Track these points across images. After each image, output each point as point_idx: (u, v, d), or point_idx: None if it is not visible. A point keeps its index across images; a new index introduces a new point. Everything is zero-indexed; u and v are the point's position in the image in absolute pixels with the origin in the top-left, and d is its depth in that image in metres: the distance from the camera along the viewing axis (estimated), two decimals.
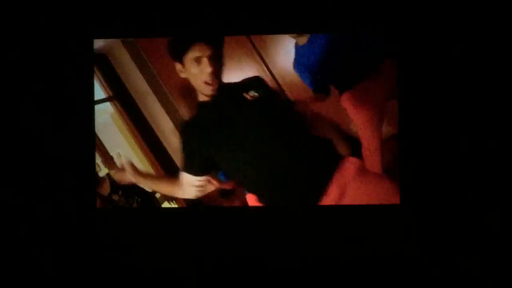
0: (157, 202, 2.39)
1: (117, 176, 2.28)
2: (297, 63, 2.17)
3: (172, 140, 2.36)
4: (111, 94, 2.42)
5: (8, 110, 2.26)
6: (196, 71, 1.76)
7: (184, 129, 2.08)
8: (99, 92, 2.38)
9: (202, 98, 1.94)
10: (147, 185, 2.26)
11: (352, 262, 2.21)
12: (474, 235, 2.17)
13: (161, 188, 2.25)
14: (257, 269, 2.22)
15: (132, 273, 2.24)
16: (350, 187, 1.99)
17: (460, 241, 2.18)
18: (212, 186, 2.11)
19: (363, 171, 1.99)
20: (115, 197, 2.31)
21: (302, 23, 2.21)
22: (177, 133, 2.28)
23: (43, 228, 2.26)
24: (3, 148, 2.25)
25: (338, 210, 2.24)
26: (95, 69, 2.31)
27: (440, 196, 2.20)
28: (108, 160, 2.31)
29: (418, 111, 2.22)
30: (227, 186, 2.20)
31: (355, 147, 2.09)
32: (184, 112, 2.32)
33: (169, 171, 2.33)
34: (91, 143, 2.29)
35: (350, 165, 1.99)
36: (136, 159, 2.37)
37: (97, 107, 2.32)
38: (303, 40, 2.11)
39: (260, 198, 2.08)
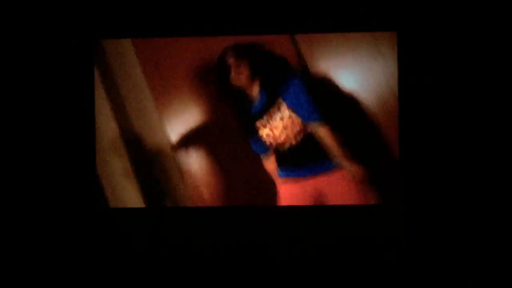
0: None
1: None
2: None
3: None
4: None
5: (8, 109, 2.26)
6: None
7: None
8: None
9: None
10: None
11: (351, 261, 2.22)
12: (474, 235, 2.17)
13: None
14: (257, 269, 2.22)
15: (132, 272, 2.24)
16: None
17: (460, 240, 2.18)
18: None
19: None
20: None
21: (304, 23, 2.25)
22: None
23: (43, 228, 2.25)
24: (4, 148, 2.25)
25: (338, 210, 2.25)
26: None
27: (441, 195, 2.20)
28: None
29: (418, 111, 2.23)
30: None
31: None
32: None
33: None
34: (91, 143, 2.29)
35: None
36: None
37: None
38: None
39: None
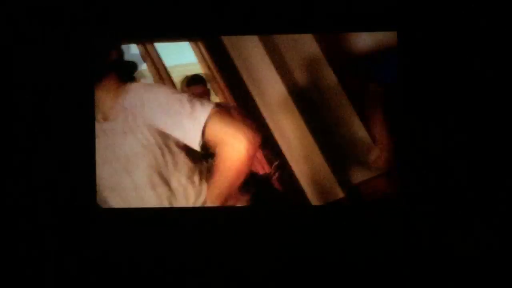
0: None
1: None
2: None
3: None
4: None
5: (8, 109, 2.26)
6: None
7: None
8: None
9: None
10: None
11: (351, 261, 2.22)
12: (474, 235, 2.18)
13: None
14: (257, 269, 2.22)
15: (131, 273, 2.23)
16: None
17: (460, 240, 2.19)
18: None
19: None
20: None
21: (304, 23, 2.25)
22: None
23: (43, 228, 2.25)
24: (3, 147, 2.25)
25: (337, 209, 2.26)
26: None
27: (439, 192, 2.21)
28: None
29: (418, 111, 2.24)
30: None
31: None
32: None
33: None
34: (91, 143, 2.29)
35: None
36: None
37: None
38: None
39: None
